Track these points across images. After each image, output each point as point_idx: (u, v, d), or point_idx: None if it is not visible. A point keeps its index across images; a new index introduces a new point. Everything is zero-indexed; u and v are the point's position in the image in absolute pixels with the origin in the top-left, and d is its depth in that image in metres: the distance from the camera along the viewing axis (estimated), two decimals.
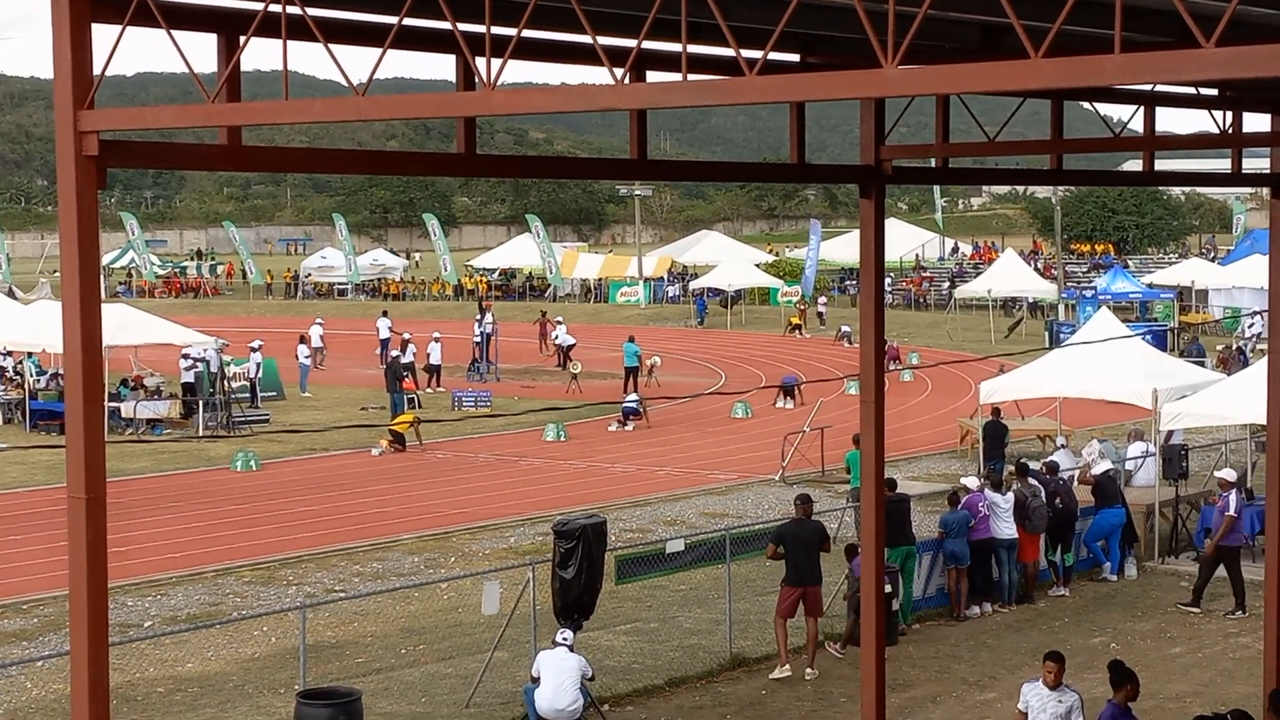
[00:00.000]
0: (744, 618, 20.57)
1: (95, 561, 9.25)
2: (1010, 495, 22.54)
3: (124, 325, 38.61)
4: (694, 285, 79.55)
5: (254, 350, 44.29)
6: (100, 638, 9.34)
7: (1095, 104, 14.86)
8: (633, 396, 42.61)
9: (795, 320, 69.35)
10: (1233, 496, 22.13)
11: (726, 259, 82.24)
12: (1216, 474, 23.62)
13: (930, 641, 20.56)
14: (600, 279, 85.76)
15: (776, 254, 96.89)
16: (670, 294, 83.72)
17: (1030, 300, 68.59)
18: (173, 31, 8.99)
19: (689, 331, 69.93)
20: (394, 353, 46.36)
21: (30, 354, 41.49)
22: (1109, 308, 42.33)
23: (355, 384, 48.97)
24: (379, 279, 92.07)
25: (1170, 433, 27.56)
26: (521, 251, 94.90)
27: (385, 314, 58.45)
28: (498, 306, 68.75)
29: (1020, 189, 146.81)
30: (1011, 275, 67.54)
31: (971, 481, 23.29)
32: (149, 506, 28.76)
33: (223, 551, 25.71)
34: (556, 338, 56.21)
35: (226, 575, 24.11)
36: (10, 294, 63.21)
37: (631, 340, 49.11)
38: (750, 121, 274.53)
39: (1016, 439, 33.40)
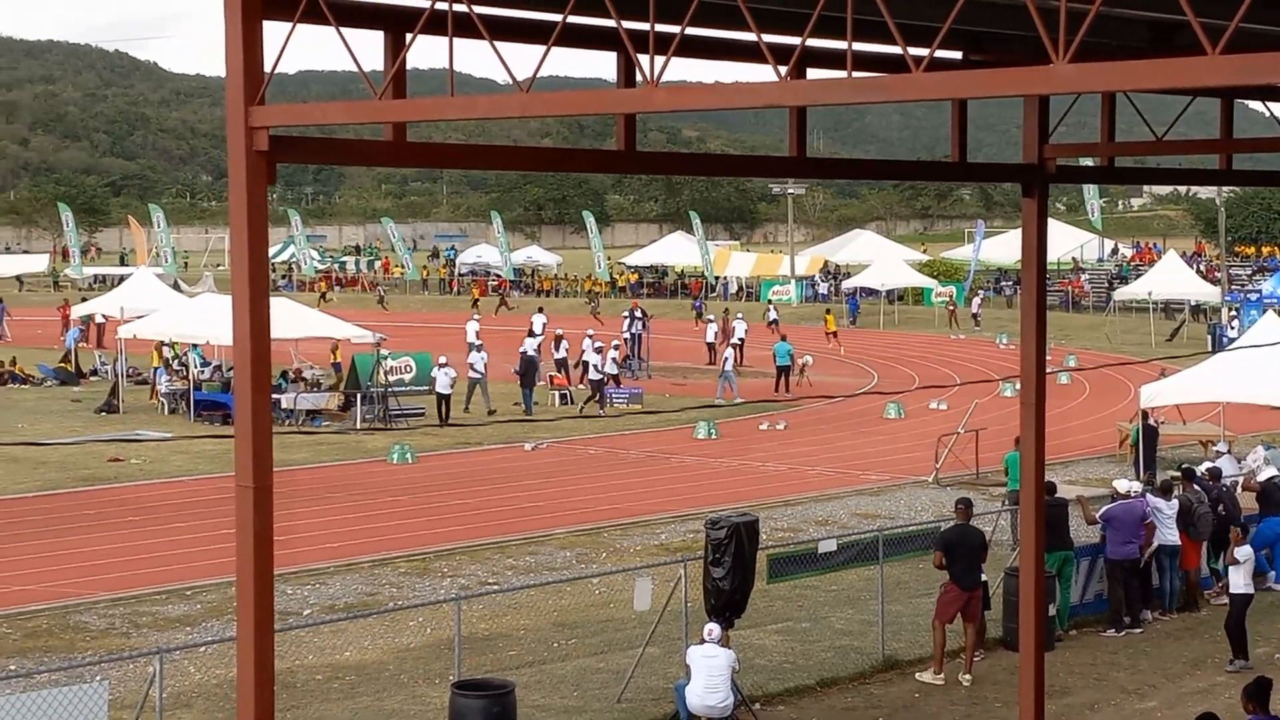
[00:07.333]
0: (896, 619, 20.39)
1: (262, 549, 9.42)
2: (1174, 501, 22.05)
3: (284, 318, 39.37)
4: (847, 285, 79.12)
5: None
6: (266, 624, 9.51)
7: (1268, 103, 14.49)
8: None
9: (476, 294, 79.07)
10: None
11: (879, 259, 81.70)
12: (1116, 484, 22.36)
13: (1087, 648, 20.22)
14: (753, 277, 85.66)
15: (930, 254, 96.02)
16: (822, 293, 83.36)
17: (1192, 303, 67.18)
18: (340, 29, 9.13)
19: (841, 331, 69.51)
20: (520, 349, 46.10)
21: (195, 346, 42.46)
22: (1275, 311, 41.28)
23: (510, 380, 49.34)
24: (533, 274, 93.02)
25: None
26: (673, 249, 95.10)
27: (540, 310, 58.93)
28: (649, 304, 69.06)
29: (1183, 189, 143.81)
30: (1173, 277, 66.24)
31: (1127, 485, 22.67)
32: (308, 497, 29.26)
33: (379, 542, 26.08)
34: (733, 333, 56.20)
35: (383, 566, 24.46)
36: (176, 287, 64.83)
37: (784, 339, 48.98)
38: (905, 120, 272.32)
39: (1176, 444, 32.73)
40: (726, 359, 47.19)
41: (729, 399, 44.47)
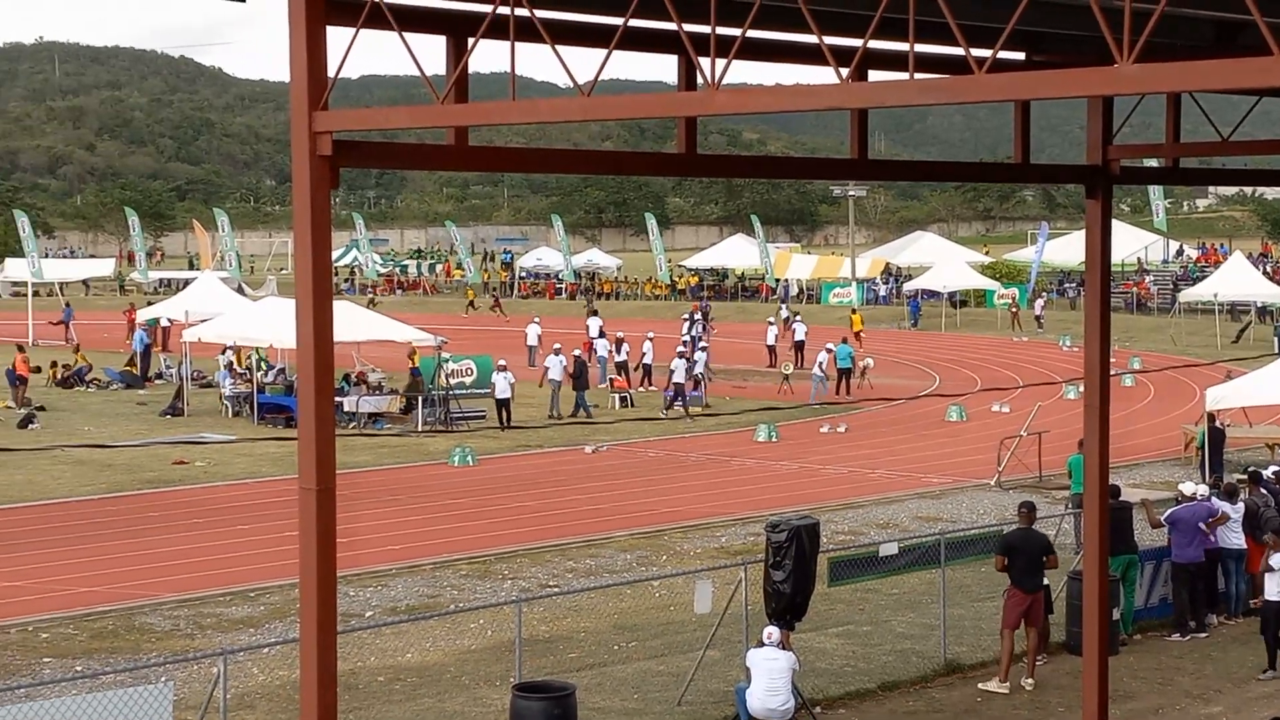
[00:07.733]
0: (958, 623, 20.30)
1: (325, 551, 9.48)
2: (1240, 505, 21.81)
3: (347, 322, 39.58)
4: (908, 287, 78.83)
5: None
6: (329, 626, 9.56)
7: None
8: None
9: (471, 295, 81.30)
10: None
11: (941, 261, 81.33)
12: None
13: (1152, 653, 20.06)
14: (813, 280, 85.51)
15: (993, 256, 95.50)
16: (882, 295, 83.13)
17: (1258, 305, 66.47)
18: (403, 33, 9.17)
19: (903, 333, 69.28)
20: (575, 353, 45.94)
21: (258, 349, 42.74)
22: None
23: (567, 382, 49.41)
24: (593, 277, 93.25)
25: None
26: (733, 252, 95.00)
27: (595, 313, 59.01)
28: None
29: (1249, 190, 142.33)
30: (1239, 279, 65.53)
31: (1195, 489, 22.46)
32: (370, 499, 29.42)
33: (441, 544, 26.18)
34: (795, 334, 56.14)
35: (444, 568, 24.55)
36: (240, 291, 65.33)
37: (845, 342, 48.85)
38: (967, 122, 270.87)
39: (1243, 447, 32.37)
40: (820, 362, 47.11)
41: (809, 401, 44.52)
